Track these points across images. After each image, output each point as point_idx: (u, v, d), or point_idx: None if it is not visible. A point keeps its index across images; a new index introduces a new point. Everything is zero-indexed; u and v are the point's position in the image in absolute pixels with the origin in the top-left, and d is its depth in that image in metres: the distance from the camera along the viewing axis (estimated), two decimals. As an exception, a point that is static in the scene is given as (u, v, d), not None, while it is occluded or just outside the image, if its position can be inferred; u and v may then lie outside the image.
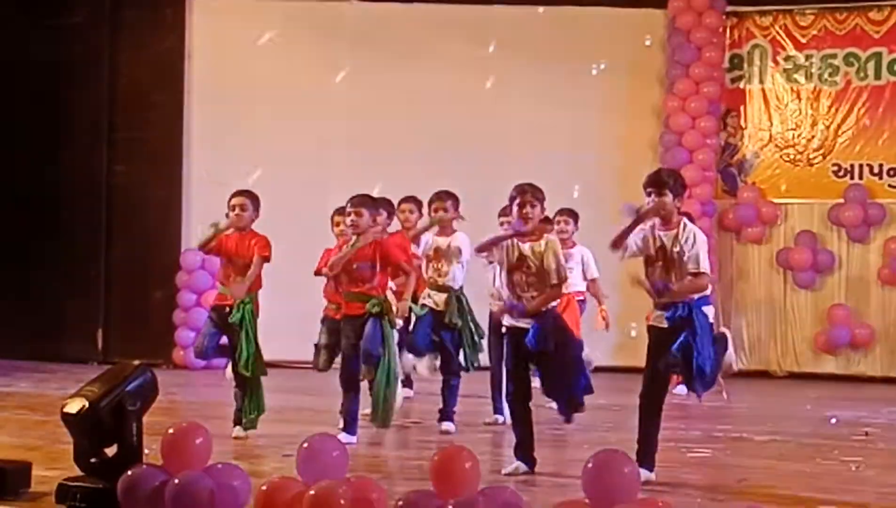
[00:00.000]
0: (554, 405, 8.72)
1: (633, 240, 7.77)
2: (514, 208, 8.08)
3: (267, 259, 9.52)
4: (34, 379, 13.66)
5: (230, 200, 9.64)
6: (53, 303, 15.75)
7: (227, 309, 9.48)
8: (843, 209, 15.40)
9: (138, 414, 6.64)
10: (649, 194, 7.76)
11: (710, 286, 7.82)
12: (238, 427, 9.49)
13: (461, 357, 10.02)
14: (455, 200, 10.22)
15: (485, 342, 10.22)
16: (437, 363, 10.17)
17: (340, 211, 10.15)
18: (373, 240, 9.36)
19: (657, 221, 7.78)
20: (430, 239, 10.16)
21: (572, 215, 11.50)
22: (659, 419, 7.79)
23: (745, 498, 7.35)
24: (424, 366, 10.17)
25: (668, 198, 7.70)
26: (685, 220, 7.85)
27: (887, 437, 10.30)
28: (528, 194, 8.09)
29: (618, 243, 7.75)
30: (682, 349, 7.56)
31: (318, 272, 10.06)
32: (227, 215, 9.62)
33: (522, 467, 8.02)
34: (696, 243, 7.67)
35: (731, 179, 16.04)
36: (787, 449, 9.52)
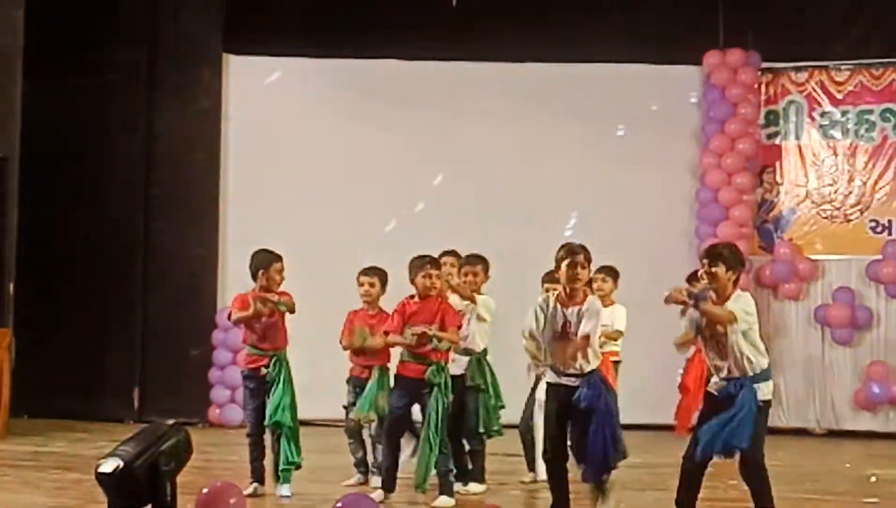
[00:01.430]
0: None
1: (690, 315, 7.74)
2: (564, 269, 8.02)
3: (292, 310, 9.54)
4: (70, 438, 13.69)
5: (259, 265, 9.67)
6: (90, 361, 15.77)
7: (263, 370, 9.52)
8: (881, 266, 15.31)
9: (172, 474, 6.63)
10: (703, 265, 7.75)
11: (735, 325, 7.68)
12: (285, 486, 9.47)
13: (479, 423, 9.95)
14: (485, 264, 10.19)
15: (503, 412, 10.16)
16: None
17: (366, 272, 10.20)
18: (439, 299, 9.36)
19: (711, 295, 7.72)
20: (453, 301, 10.11)
21: (612, 272, 11.43)
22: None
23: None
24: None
25: (721, 270, 7.66)
26: (739, 292, 7.81)
27: (928, 496, 10.19)
28: (579, 255, 8.06)
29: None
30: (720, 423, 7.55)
31: (348, 345, 10.11)
32: (253, 277, 9.64)
33: None
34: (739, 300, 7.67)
35: (767, 236, 15.97)
36: (826, 508, 9.43)
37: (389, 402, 9.51)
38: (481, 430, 9.95)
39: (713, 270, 7.66)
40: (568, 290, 8.03)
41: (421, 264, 9.36)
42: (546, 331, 8.02)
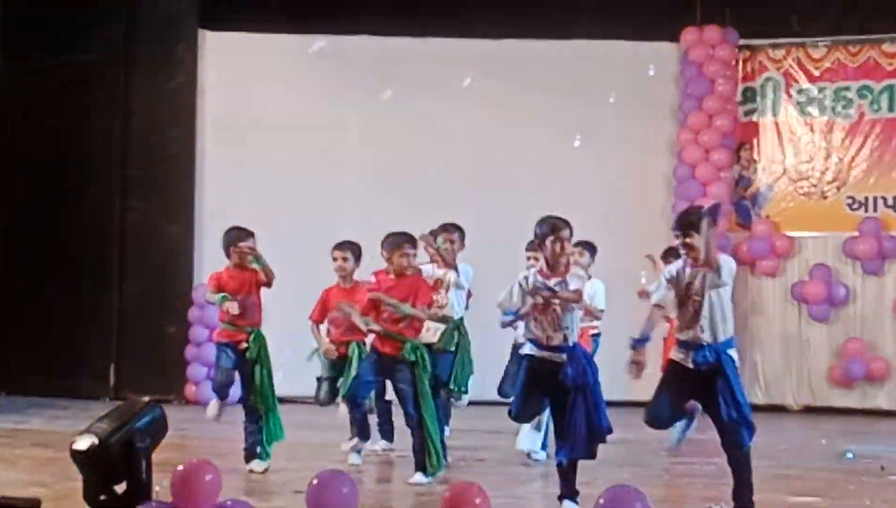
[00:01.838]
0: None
1: (663, 280, 7.73)
2: (548, 245, 7.98)
3: (268, 285, 9.53)
4: (46, 416, 13.65)
5: (231, 241, 9.68)
6: (66, 339, 15.72)
7: (244, 344, 9.50)
8: (858, 242, 15.35)
9: (148, 451, 6.59)
10: (677, 237, 7.71)
11: (728, 285, 7.72)
12: (256, 461, 9.48)
13: (451, 380, 9.98)
14: (461, 232, 10.18)
15: (472, 379, 10.17)
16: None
17: (339, 246, 10.22)
18: (414, 276, 9.36)
19: (688, 260, 7.71)
20: (431, 270, 10.10)
21: (589, 247, 11.43)
22: None
23: (760, 534, 7.30)
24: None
25: (697, 239, 7.61)
26: (722, 255, 7.81)
27: (903, 471, 10.23)
28: (565, 229, 7.99)
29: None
30: (717, 396, 7.53)
31: (318, 320, 10.14)
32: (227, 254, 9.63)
33: None
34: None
35: (744, 213, 16.00)
36: (801, 484, 9.46)
37: (358, 370, 9.51)
38: (452, 387, 9.97)
39: (688, 240, 7.62)
40: (551, 263, 7.99)
41: (398, 242, 9.34)
42: (528, 304, 7.98)
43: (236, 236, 9.68)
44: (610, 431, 8.05)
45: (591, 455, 7.97)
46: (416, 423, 9.12)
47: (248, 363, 9.52)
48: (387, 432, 10.75)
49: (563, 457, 7.89)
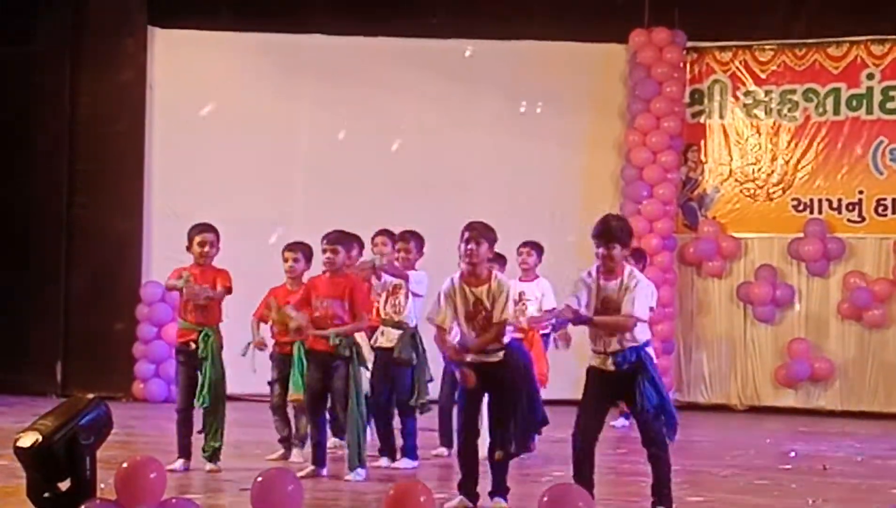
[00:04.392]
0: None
1: (578, 294, 7.66)
2: (461, 247, 8.01)
3: (229, 291, 9.53)
4: (-9, 412, 13.56)
5: (194, 234, 9.60)
6: (12, 335, 15.63)
7: (192, 345, 9.47)
8: (803, 244, 15.48)
9: (92, 448, 6.58)
10: (598, 246, 7.57)
11: (634, 328, 7.56)
12: (210, 464, 9.47)
13: (414, 397, 9.97)
14: (418, 239, 10.19)
15: (431, 386, 10.17)
16: None
17: (291, 247, 10.23)
18: (343, 275, 9.36)
19: (600, 270, 7.61)
20: (389, 276, 10.11)
21: (536, 247, 11.49)
22: None
23: (703, 533, 7.36)
24: None
25: (617, 251, 7.54)
26: (629, 268, 7.69)
27: (846, 471, 10.33)
28: (475, 231, 7.99)
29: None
30: (641, 395, 7.54)
31: (261, 318, 10.14)
32: (187, 248, 9.60)
33: (465, 501, 7.99)
34: (637, 288, 7.54)
35: (691, 214, 16.11)
36: (745, 483, 9.53)
37: (306, 377, 9.53)
38: (412, 403, 9.96)
39: (610, 252, 7.56)
40: (469, 268, 8.00)
41: (322, 243, 9.38)
42: (459, 312, 7.99)
43: (195, 231, 9.63)
44: (545, 422, 8.13)
45: (527, 448, 8.02)
46: (348, 422, 9.18)
47: (198, 361, 9.47)
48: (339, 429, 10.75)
49: (499, 451, 7.94)
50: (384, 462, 9.95)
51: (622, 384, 7.57)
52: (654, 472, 7.71)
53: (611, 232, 7.56)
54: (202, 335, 9.49)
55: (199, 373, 9.48)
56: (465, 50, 15.91)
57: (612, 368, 7.56)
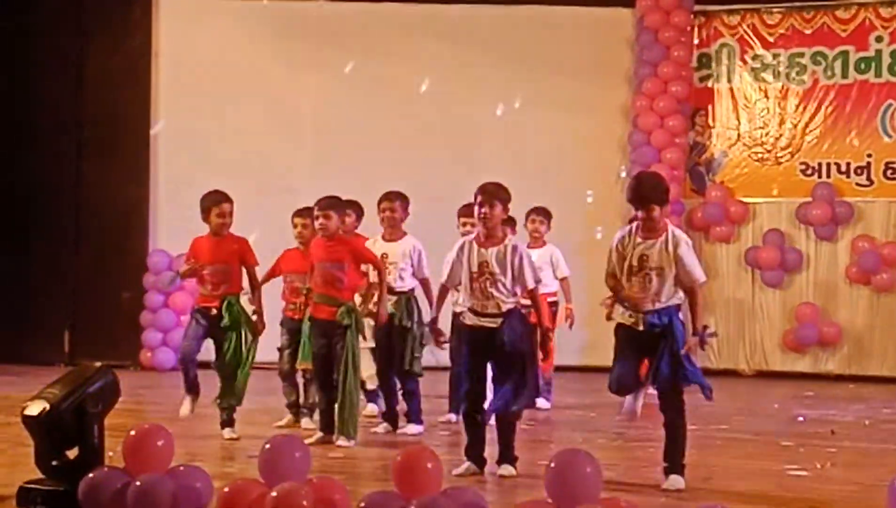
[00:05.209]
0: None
1: (613, 271, 7.67)
2: (475, 209, 7.99)
3: (256, 264, 9.63)
4: (0, 381, 13.57)
5: (210, 204, 9.53)
6: (19, 304, 15.65)
7: (214, 310, 9.46)
8: (811, 208, 15.44)
9: (100, 416, 6.59)
10: (636, 209, 7.56)
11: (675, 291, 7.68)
12: (228, 429, 9.51)
13: (411, 363, 9.98)
14: (404, 200, 10.14)
15: (426, 351, 10.16)
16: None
17: (300, 213, 10.21)
18: (339, 239, 9.37)
19: (638, 229, 7.62)
20: (378, 244, 10.09)
21: (545, 213, 11.46)
22: None
23: (711, 497, 7.37)
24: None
25: (656, 212, 7.51)
26: (672, 228, 7.67)
27: (853, 435, 10.34)
28: (487, 193, 7.98)
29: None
30: (665, 355, 7.56)
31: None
32: (204, 219, 9.54)
33: (473, 467, 7.99)
34: (683, 252, 7.56)
35: (699, 179, 16.06)
36: (753, 448, 9.54)
37: (312, 345, 9.54)
38: (406, 368, 9.96)
39: (651, 214, 7.54)
40: (484, 230, 7.99)
41: (315, 210, 9.40)
42: (464, 272, 7.98)
43: (214, 201, 9.56)
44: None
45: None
46: (341, 389, 9.19)
47: (220, 331, 9.47)
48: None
49: (495, 410, 7.99)
50: (382, 428, 9.97)
51: (650, 343, 7.57)
52: (668, 438, 7.72)
53: (645, 195, 7.54)
54: (225, 303, 9.48)
55: (210, 337, 9.49)
56: (469, 16, 15.83)
57: (642, 327, 7.58)
